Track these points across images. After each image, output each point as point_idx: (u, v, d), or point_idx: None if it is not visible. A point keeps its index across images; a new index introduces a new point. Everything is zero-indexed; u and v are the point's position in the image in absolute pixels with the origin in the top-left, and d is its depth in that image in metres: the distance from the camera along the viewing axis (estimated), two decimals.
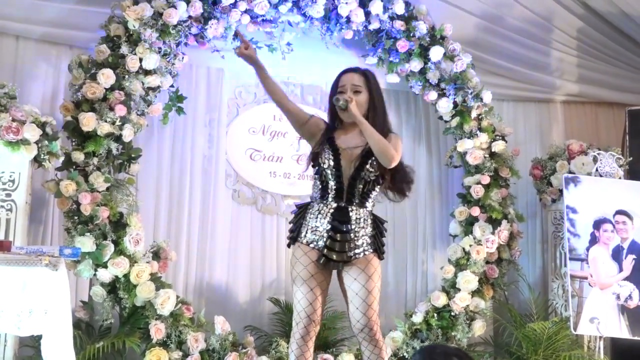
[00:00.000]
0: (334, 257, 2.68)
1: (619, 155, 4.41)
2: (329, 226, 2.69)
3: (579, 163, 4.37)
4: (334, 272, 2.83)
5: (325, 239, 2.69)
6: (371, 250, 2.76)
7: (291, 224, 2.86)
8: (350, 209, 2.72)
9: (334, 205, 2.72)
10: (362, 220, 2.74)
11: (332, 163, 2.72)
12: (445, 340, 4.08)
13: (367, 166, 2.73)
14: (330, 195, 2.72)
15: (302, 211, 2.80)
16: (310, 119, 2.91)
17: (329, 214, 2.70)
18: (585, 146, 4.47)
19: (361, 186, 2.74)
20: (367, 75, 2.86)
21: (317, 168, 2.80)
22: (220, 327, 3.69)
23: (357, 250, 2.72)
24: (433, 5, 4.38)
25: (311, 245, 2.70)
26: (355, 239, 2.71)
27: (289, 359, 2.74)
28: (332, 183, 2.72)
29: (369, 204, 2.79)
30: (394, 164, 2.72)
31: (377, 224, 2.82)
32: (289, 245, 2.84)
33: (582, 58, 5.10)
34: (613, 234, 4.12)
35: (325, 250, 2.68)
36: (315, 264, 2.68)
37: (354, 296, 2.71)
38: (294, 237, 2.77)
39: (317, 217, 2.71)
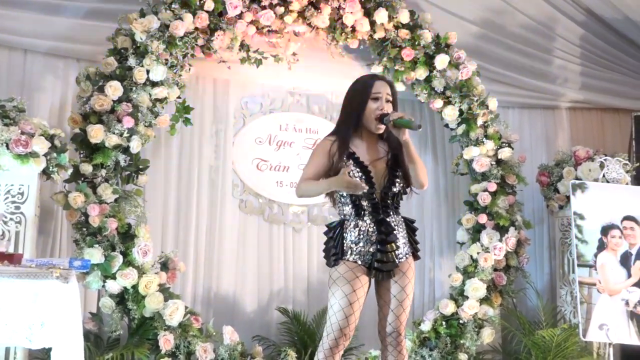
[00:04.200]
0: (388, 267, 2.67)
1: (625, 160, 4.41)
2: (376, 239, 2.66)
3: (585, 169, 4.37)
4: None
5: (371, 254, 2.66)
6: (410, 253, 2.77)
7: (328, 245, 2.74)
8: (388, 219, 2.71)
9: (373, 219, 2.69)
10: (398, 225, 2.74)
11: (363, 181, 2.65)
12: (454, 348, 4.07)
13: (397, 179, 2.72)
14: (366, 211, 2.69)
15: (338, 230, 2.71)
16: (329, 160, 2.71)
17: (370, 228, 2.68)
18: (592, 152, 4.47)
19: (393, 197, 2.73)
20: (395, 89, 2.82)
21: None
22: (228, 338, 3.70)
23: (400, 255, 2.71)
24: (434, 15, 4.40)
25: (359, 262, 2.66)
26: (399, 245, 2.72)
27: None
28: (364, 199, 2.68)
29: (400, 210, 2.79)
30: (425, 189, 2.77)
31: (408, 225, 2.82)
32: (331, 265, 2.71)
33: (586, 66, 5.10)
34: (621, 239, 4.12)
35: (377, 264, 2.65)
36: (358, 280, 2.65)
37: (391, 298, 2.70)
38: (338, 257, 2.67)
39: (358, 234, 2.67)
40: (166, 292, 3.61)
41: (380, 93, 2.72)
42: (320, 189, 2.71)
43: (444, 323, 4.10)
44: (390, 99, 2.75)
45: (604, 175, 4.34)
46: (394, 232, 2.70)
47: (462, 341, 4.08)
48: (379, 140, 2.80)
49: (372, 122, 2.72)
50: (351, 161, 2.68)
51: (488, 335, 4.15)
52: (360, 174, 2.67)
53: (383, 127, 2.72)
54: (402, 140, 2.65)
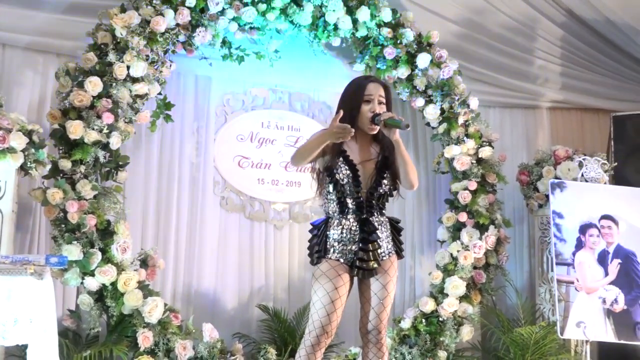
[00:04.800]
0: (370, 264, 2.68)
1: (604, 160, 4.46)
2: (358, 238, 2.69)
3: (564, 168, 4.42)
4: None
5: (354, 253, 2.69)
6: (393, 252, 2.79)
7: (312, 242, 2.78)
8: (371, 218, 2.73)
9: (357, 218, 2.72)
10: (382, 224, 2.77)
11: (350, 180, 2.69)
12: (434, 346, 4.10)
13: (385, 180, 2.75)
14: (350, 210, 2.72)
15: (322, 227, 2.76)
16: (322, 149, 2.74)
17: (353, 227, 2.71)
18: (571, 152, 4.52)
19: (378, 198, 2.76)
20: (389, 90, 2.84)
21: (332, 183, 2.73)
22: (208, 335, 3.69)
23: (382, 254, 2.74)
24: (416, 14, 4.42)
25: (341, 260, 2.70)
26: (381, 244, 2.74)
27: None
28: (350, 198, 2.71)
29: (385, 210, 2.82)
30: (415, 189, 2.79)
31: (393, 225, 2.84)
32: (314, 263, 2.74)
33: (566, 66, 5.14)
34: (599, 238, 4.17)
35: (359, 262, 2.68)
36: (340, 278, 2.68)
37: (372, 295, 2.74)
38: (321, 255, 2.72)
39: (341, 232, 2.71)
40: (145, 289, 3.59)
41: (373, 95, 2.74)
42: (312, 145, 2.65)
43: (423, 320, 4.12)
44: (384, 100, 2.77)
45: (582, 175, 4.38)
46: (377, 231, 2.72)
47: (441, 338, 4.10)
48: (372, 142, 2.82)
49: (365, 123, 2.75)
50: (341, 158, 2.72)
51: (467, 333, 4.18)
52: (348, 172, 2.70)
53: (376, 127, 2.74)
54: (393, 139, 2.68)
